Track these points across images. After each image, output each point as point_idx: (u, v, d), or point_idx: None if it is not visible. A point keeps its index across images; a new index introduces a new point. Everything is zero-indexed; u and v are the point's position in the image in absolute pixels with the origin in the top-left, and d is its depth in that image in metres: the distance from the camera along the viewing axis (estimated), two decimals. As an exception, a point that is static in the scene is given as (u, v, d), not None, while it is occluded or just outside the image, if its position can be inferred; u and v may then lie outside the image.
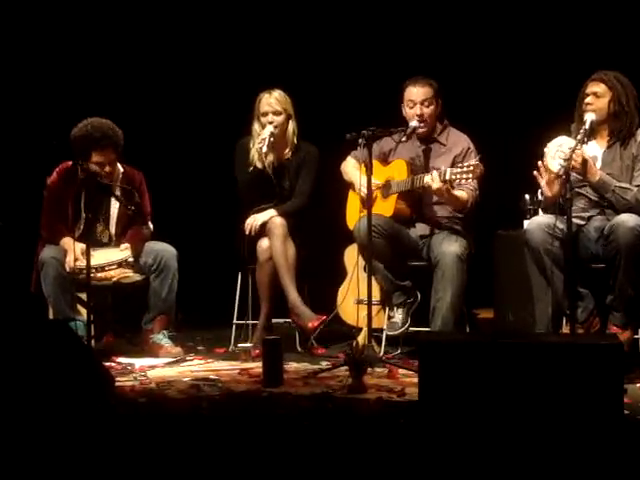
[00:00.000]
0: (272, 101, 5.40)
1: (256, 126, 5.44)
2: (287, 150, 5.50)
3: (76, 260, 5.00)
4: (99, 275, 5.09)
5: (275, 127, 5.38)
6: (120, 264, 5.18)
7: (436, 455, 3.36)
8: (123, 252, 5.24)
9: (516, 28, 5.95)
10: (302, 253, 5.31)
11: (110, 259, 5.15)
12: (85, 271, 4.78)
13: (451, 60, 5.93)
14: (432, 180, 4.96)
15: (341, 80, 6.20)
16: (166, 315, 5.33)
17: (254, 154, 5.41)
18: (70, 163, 5.25)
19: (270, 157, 5.41)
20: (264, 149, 5.31)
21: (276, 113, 5.40)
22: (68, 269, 5.07)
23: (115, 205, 5.35)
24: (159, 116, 6.31)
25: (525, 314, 5.08)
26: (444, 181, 4.95)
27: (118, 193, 5.25)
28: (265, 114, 5.40)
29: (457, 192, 5.09)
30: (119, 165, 5.35)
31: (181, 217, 6.17)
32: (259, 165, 5.41)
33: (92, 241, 5.02)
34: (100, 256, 5.06)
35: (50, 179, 5.32)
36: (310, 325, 5.14)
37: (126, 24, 6.30)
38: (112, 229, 5.37)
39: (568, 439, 3.40)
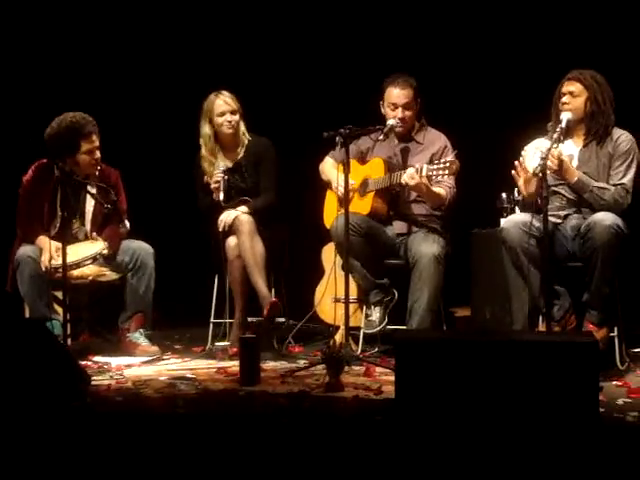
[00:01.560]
0: (228, 100, 5.43)
1: (207, 129, 5.45)
2: (240, 148, 5.52)
3: (51, 259, 4.98)
4: (75, 273, 5.07)
5: (232, 128, 5.42)
6: (94, 258, 5.15)
7: (413, 453, 3.36)
8: (95, 245, 5.22)
9: (493, 26, 5.96)
10: (272, 249, 5.32)
11: (84, 254, 5.12)
12: (60, 270, 4.76)
13: (427, 58, 5.93)
14: (410, 177, 4.97)
15: (317, 79, 6.20)
16: (143, 313, 5.32)
17: (206, 168, 5.45)
18: (45, 161, 5.24)
19: (225, 162, 5.47)
20: (221, 196, 5.36)
21: (233, 112, 5.44)
22: (43, 268, 5.04)
23: (91, 202, 5.32)
24: (135, 114, 6.28)
25: (502, 312, 5.10)
26: (422, 177, 4.96)
27: (94, 191, 5.24)
28: (222, 114, 5.42)
29: (435, 188, 5.10)
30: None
31: (158, 215, 6.15)
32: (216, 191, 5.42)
33: (68, 238, 4.98)
34: (73, 252, 4.99)
35: (26, 177, 5.30)
36: (265, 312, 5.15)
37: (97, 21, 6.27)
38: (88, 226, 5.35)
39: (544, 436, 3.42)
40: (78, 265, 5.08)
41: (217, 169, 5.42)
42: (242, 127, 5.49)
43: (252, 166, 5.50)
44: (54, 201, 5.23)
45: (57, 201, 5.22)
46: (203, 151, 5.49)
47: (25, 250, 5.14)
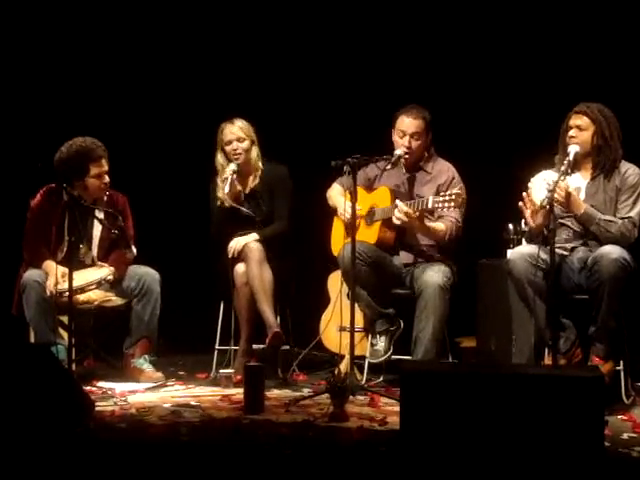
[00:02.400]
0: (235, 129, 5.46)
1: (219, 157, 5.49)
2: (254, 175, 5.53)
3: (56, 284, 4.98)
4: (81, 298, 5.07)
5: (239, 156, 5.43)
6: (99, 283, 5.17)
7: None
8: (101, 270, 5.23)
9: (501, 58, 5.98)
10: (280, 277, 5.32)
11: (88, 279, 5.14)
12: (65, 294, 4.76)
13: (436, 89, 5.95)
14: (397, 218, 4.97)
15: (329, 106, 6.22)
16: (148, 339, 5.31)
17: (220, 192, 5.45)
18: (54, 185, 5.25)
19: (238, 188, 5.47)
20: (226, 189, 5.37)
21: (240, 140, 5.45)
22: (48, 293, 5.05)
23: (98, 227, 5.34)
24: (144, 141, 6.31)
25: (507, 343, 5.08)
26: (419, 210, 4.95)
27: (101, 216, 5.25)
28: (229, 142, 5.45)
29: (432, 224, 5.09)
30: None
31: (165, 241, 6.16)
32: (227, 203, 5.42)
33: (75, 263, 4.99)
34: (79, 277, 5.01)
35: (34, 201, 5.32)
36: (267, 342, 5.15)
37: (110, 49, 6.31)
38: (95, 251, 5.35)
39: (549, 470, 3.40)
40: (83, 290, 5.09)
41: (228, 167, 5.42)
42: (254, 154, 5.50)
43: (267, 194, 5.51)
44: (62, 226, 5.23)
45: (65, 226, 5.23)
46: (218, 179, 5.50)
47: (31, 274, 5.15)
